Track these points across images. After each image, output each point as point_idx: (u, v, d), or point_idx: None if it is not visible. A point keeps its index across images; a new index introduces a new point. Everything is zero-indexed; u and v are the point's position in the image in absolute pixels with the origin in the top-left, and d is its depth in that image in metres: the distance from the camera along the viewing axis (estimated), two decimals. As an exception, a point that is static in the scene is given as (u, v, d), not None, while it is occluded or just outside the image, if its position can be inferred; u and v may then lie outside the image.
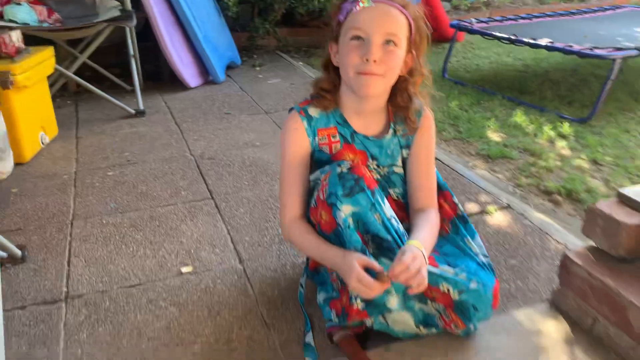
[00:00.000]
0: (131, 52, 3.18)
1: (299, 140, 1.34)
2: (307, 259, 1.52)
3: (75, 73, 3.05)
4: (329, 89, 1.32)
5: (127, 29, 3.11)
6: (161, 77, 3.70)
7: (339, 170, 1.23)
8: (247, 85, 3.62)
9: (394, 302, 1.22)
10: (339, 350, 1.34)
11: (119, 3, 3.26)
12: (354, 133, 1.35)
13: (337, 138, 1.35)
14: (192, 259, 1.76)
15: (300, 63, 4.16)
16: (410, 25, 1.25)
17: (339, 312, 1.34)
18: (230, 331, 1.44)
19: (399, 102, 1.33)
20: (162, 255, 1.78)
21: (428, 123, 1.37)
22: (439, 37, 4.58)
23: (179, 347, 1.39)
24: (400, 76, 1.29)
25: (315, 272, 1.49)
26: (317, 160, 1.37)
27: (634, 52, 2.98)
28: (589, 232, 1.43)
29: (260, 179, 2.29)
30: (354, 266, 1.15)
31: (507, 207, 2.04)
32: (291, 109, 1.38)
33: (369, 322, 1.28)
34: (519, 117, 3.04)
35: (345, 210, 1.20)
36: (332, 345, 1.36)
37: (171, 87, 3.55)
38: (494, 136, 2.82)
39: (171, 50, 3.32)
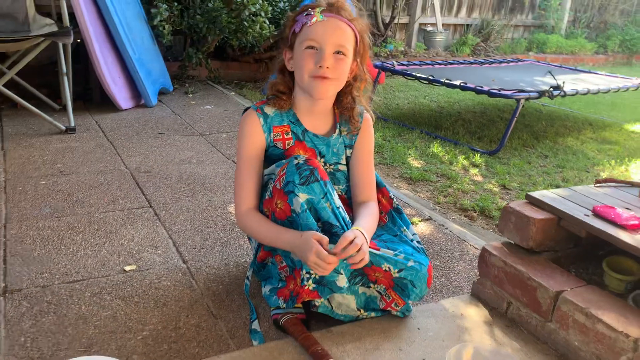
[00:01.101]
0: (64, 69, 3.15)
1: (255, 136, 1.46)
2: (255, 253, 1.60)
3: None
4: (284, 91, 1.47)
5: (61, 46, 3.10)
6: (91, 99, 3.68)
7: (295, 161, 1.36)
8: (179, 109, 3.69)
9: (342, 281, 1.35)
10: (284, 334, 1.43)
11: (52, 21, 3.26)
12: (305, 131, 1.49)
13: (290, 135, 1.48)
14: (134, 259, 1.79)
15: (233, 93, 4.28)
16: (356, 37, 1.43)
17: (286, 298, 1.44)
18: (178, 320, 1.49)
19: (344, 104, 1.49)
20: (104, 255, 1.79)
21: (368, 124, 1.55)
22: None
23: (127, 334, 1.42)
24: (346, 81, 1.45)
25: (262, 265, 1.58)
26: (271, 155, 1.49)
27: (535, 94, 3.39)
28: (503, 228, 1.64)
29: (199, 191, 2.36)
30: (312, 243, 1.27)
31: (429, 219, 2.24)
32: (247, 108, 1.50)
33: (318, 302, 1.39)
34: (436, 148, 3.32)
35: (302, 197, 1.33)
36: (277, 330, 1.45)
37: (102, 108, 3.54)
38: (415, 163, 3.07)
39: (104, 71, 3.34)
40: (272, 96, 1.49)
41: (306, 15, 1.41)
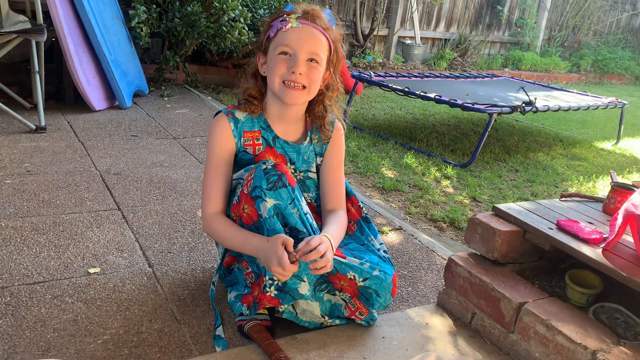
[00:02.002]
0: (36, 67, 3.09)
1: (225, 140, 1.45)
2: (221, 258, 1.59)
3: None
4: (256, 96, 1.46)
5: (34, 44, 3.05)
6: (64, 99, 3.62)
7: (264, 167, 1.36)
8: (154, 112, 3.65)
9: (305, 288, 1.34)
10: (248, 340, 1.42)
11: (26, 18, 3.20)
12: (275, 137, 1.49)
13: (261, 141, 1.48)
14: (99, 261, 1.75)
15: (209, 97, 4.26)
16: (330, 46, 1.44)
17: (250, 304, 1.43)
18: (140, 324, 1.46)
19: (315, 113, 1.50)
20: (68, 257, 1.76)
21: (339, 134, 1.55)
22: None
23: (87, 337, 1.39)
24: (318, 90, 1.46)
25: (228, 271, 1.57)
26: (241, 160, 1.48)
27: (507, 109, 3.45)
28: (470, 239, 1.65)
29: (169, 194, 2.33)
30: (277, 250, 1.26)
31: (400, 229, 2.25)
32: (218, 112, 1.49)
33: (280, 309, 1.38)
34: (410, 159, 3.35)
35: (269, 203, 1.32)
36: (241, 336, 1.44)
37: (74, 108, 3.49)
38: (388, 173, 3.09)
39: (78, 70, 3.29)
40: (244, 101, 1.49)
41: (281, 20, 1.41)
